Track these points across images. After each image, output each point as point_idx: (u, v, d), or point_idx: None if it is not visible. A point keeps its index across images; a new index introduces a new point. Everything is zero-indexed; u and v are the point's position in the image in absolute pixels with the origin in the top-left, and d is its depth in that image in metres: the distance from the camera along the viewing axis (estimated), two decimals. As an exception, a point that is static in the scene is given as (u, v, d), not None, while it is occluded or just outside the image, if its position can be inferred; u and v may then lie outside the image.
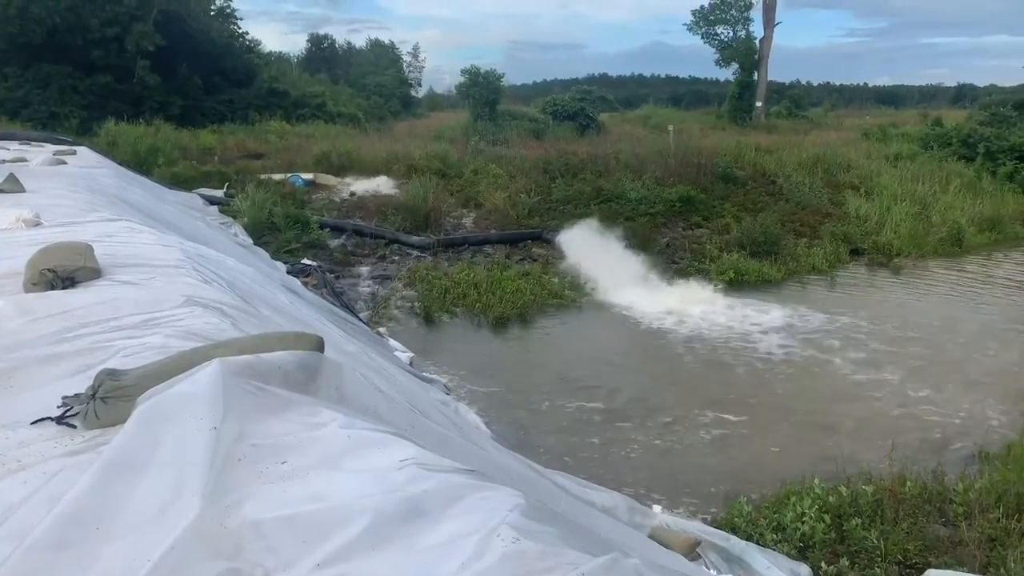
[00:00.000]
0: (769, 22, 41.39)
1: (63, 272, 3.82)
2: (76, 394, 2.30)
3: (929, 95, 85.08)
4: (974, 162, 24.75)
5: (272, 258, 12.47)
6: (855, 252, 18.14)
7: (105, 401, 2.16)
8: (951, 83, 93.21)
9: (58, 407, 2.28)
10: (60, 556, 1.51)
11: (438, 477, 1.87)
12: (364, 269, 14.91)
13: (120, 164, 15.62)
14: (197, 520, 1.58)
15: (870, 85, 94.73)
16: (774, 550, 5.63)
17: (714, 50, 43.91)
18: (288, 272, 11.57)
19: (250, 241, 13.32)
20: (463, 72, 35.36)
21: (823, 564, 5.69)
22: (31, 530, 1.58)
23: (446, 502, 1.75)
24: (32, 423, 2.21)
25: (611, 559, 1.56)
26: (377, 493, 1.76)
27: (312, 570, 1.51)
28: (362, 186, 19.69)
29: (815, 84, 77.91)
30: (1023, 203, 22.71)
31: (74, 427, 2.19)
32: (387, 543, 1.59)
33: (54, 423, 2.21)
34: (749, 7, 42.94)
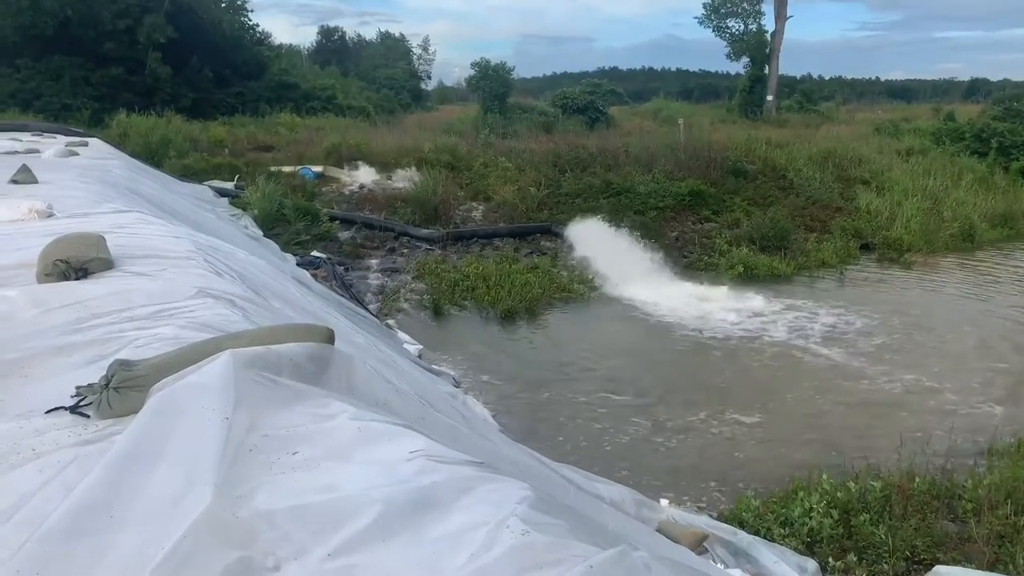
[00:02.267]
0: (781, 15, 41.18)
1: (76, 263, 3.84)
2: (89, 384, 2.32)
3: (942, 89, 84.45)
4: (987, 157, 24.60)
5: (282, 250, 12.50)
6: (865, 247, 18.08)
7: (118, 391, 2.18)
8: (964, 77, 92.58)
9: (72, 397, 2.30)
10: (74, 544, 1.53)
11: (447, 469, 1.88)
12: (373, 262, 14.95)
13: (131, 156, 15.69)
14: (209, 509, 1.59)
15: (882, 79, 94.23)
16: (782, 545, 5.63)
17: (725, 43, 43.87)
18: (298, 264, 11.60)
19: (260, 233, 13.35)
20: (473, 65, 35.39)
21: (831, 559, 5.68)
22: (46, 518, 1.60)
23: (455, 494, 1.76)
24: (46, 412, 2.23)
25: (620, 552, 1.57)
26: (387, 484, 1.77)
27: (323, 560, 1.52)
28: (372, 179, 19.72)
29: (827, 78, 77.60)
30: (1036, 199, 22.58)
31: (87, 417, 2.21)
32: (397, 534, 1.60)
33: (68, 412, 2.23)
34: (760, 0, 42.79)
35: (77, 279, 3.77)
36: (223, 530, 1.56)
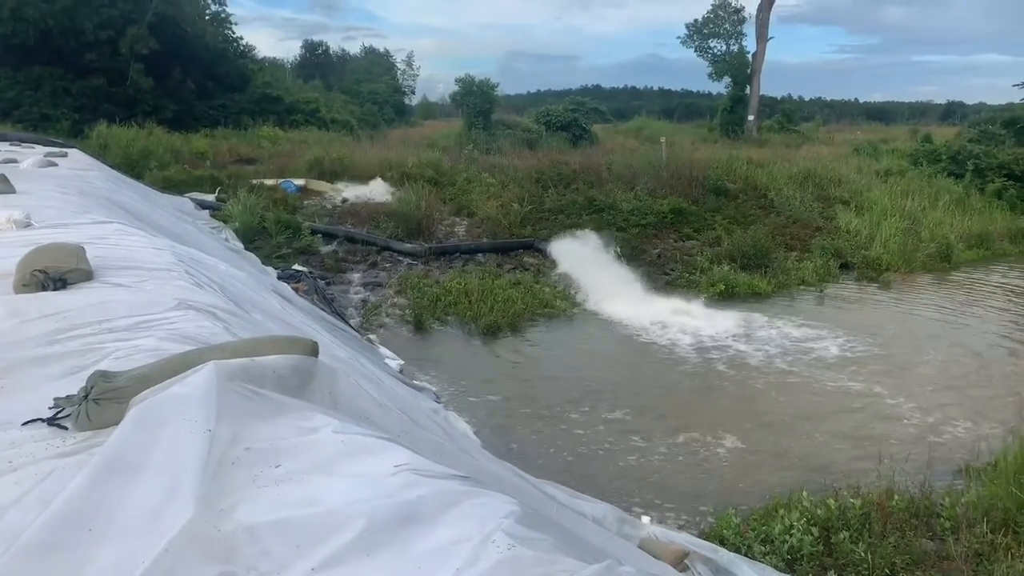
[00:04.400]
0: (762, 37, 41.74)
1: (54, 273, 3.79)
2: (68, 395, 2.29)
3: (919, 112, 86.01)
4: (963, 179, 24.99)
5: (263, 263, 12.43)
6: (845, 266, 18.23)
7: (98, 403, 2.15)
8: (941, 100, 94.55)
9: (49, 408, 2.26)
10: (52, 558, 1.50)
11: (432, 483, 1.87)
12: (355, 276, 14.89)
13: (111, 167, 15.56)
14: (191, 523, 1.57)
15: (861, 101, 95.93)
16: (762, 562, 5.63)
17: (707, 63, 44.44)
18: (279, 278, 11.53)
19: (241, 246, 13.28)
20: (457, 81, 35.56)
21: (811, 577, 5.70)
22: (23, 531, 1.57)
23: (441, 508, 1.75)
24: (23, 424, 2.19)
25: (606, 567, 1.56)
26: (371, 498, 1.75)
27: (306, 574, 1.50)
28: (354, 193, 19.69)
29: (807, 99, 78.87)
30: (1011, 220, 22.97)
31: (65, 429, 2.17)
32: (381, 548, 1.59)
33: (45, 424, 2.19)
34: (742, 21, 43.52)
35: (55, 290, 3.72)
36: (205, 544, 1.54)
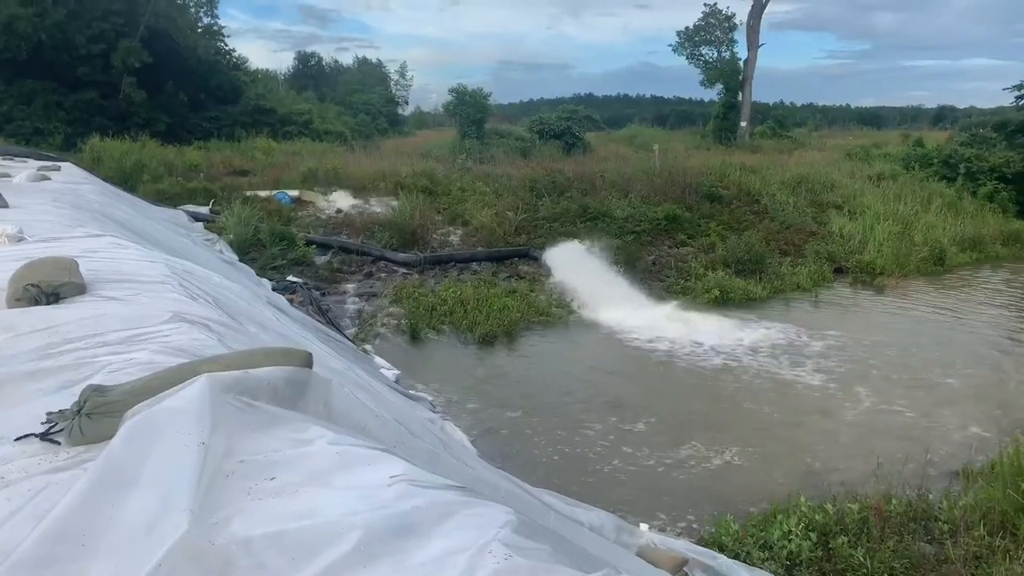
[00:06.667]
0: (753, 43, 41.98)
1: (47, 287, 3.77)
2: (61, 410, 2.27)
3: (910, 116, 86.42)
4: (955, 182, 25.13)
5: (257, 275, 12.40)
6: (839, 271, 18.30)
7: (91, 417, 2.13)
8: (932, 105, 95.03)
9: (42, 423, 2.25)
10: (45, 573, 1.48)
11: (428, 494, 1.86)
12: (350, 286, 14.87)
13: (105, 180, 15.54)
14: (185, 537, 1.55)
15: (852, 106, 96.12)
16: (761, 569, 5.62)
17: (699, 71, 44.59)
18: (273, 289, 11.50)
19: (235, 258, 13.25)
20: (450, 91, 35.73)
21: (810, 582, 5.69)
22: (16, 547, 1.55)
23: (437, 519, 1.74)
24: (16, 439, 2.18)
25: (604, 575, 1.56)
26: (367, 510, 1.74)
27: (302, 587, 1.49)
28: (349, 203, 19.69)
29: (799, 105, 78.86)
30: (1003, 223, 23.09)
31: (58, 444, 2.16)
32: (377, 560, 1.58)
33: (38, 440, 2.18)
34: (733, 28, 43.70)
35: (48, 304, 3.71)
36: (199, 557, 1.53)
